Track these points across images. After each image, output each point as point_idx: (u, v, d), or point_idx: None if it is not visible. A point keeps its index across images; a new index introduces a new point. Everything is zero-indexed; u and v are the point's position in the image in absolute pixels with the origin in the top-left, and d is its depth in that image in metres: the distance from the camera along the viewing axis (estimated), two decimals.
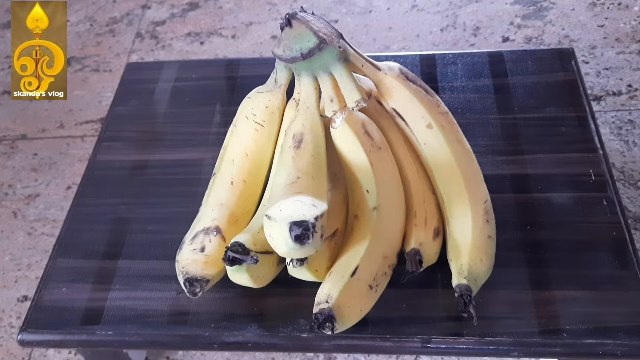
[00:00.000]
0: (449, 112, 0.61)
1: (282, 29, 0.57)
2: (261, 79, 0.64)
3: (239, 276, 0.55)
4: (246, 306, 0.59)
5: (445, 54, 0.82)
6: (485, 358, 0.75)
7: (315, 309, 0.52)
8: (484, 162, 0.65)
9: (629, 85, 1.11)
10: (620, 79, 1.12)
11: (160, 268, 0.63)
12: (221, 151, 0.64)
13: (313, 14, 0.57)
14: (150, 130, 0.78)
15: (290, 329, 0.57)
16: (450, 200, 0.58)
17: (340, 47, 0.56)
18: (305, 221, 0.46)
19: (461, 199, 0.57)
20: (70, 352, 0.90)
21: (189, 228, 0.60)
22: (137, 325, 0.60)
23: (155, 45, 1.35)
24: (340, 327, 0.51)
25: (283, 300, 0.59)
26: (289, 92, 0.63)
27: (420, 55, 0.82)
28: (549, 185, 0.66)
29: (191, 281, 0.55)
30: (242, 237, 0.53)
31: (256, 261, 0.51)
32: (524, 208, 0.64)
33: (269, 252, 0.52)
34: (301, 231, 0.45)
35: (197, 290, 0.55)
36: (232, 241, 0.53)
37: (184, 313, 0.60)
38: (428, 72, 0.79)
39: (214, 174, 0.63)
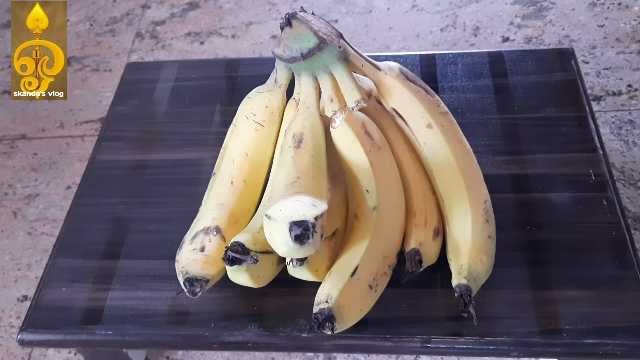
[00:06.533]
0: (449, 112, 0.61)
1: (282, 28, 0.57)
2: (261, 79, 0.64)
3: (239, 276, 0.55)
4: (246, 306, 0.59)
5: (445, 54, 0.82)
6: (485, 358, 0.75)
7: (315, 309, 0.52)
8: (484, 162, 0.65)
9: (629, 85, 1.11)
10: (620, 79, 1.12)
11: (160, 268, 0.63)
12: (221, 151, 0.64)
13: (313, 13, 0.57)
14: (150, 130, 0.78)
15: (290, 328, 0.57)
16: (450, 200, 0.58)
17: (340, 47, 0.56)
18: (305, 221, 0.46)
19: (461, 199, 0.57)
20: (70, 352, 0.90)
21: (189, 228, 0.60)
22: (137, 325, 0.60)
23: (155, 45, 1.35)
24: (340, 327, 0.51)
25: (283, 300, 0.59)
26: (289, 92, 0.63)
27: (420, 55, 0.82)
28: (549, 185, 0.66)
29: (191, 281, 0.55)
30: (242, 237, 0.53)
31: (256, 261, 0.51)
32: (524, 208, 0.64)
33: (269, 252, 0.52)
34: (301, 231, 0.45)
35: (197, 290, 0.55)
36: (232, 241, 0.53)
37: (184, 313, 0.60)
38: (428, 72, 0.79)
39: (214, 173, 0.63)
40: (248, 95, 0.65)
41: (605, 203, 0.64)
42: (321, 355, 0.86)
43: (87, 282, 0.63)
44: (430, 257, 0.58)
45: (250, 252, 0.52)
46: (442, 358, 0.83)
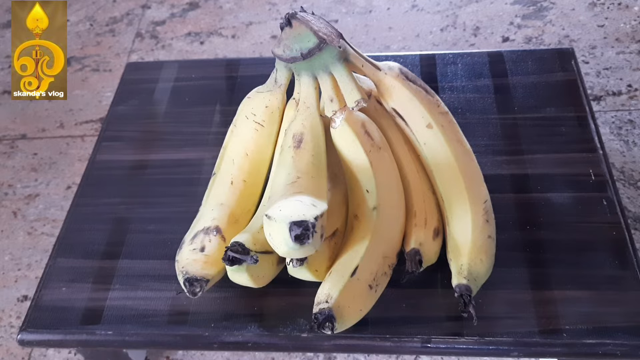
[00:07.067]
0: (449, 112, 0.61)
1: (282, 28, 0.57)
2: (261, 79, 0.64)
3: (239, 276, 0.55)
4: (246, 306, 0.59)
5: (445, 54, 0.82)
6: (485, 358, 0.75)
7: (315, 309, 0.52)
8: (484, 162, 0.65)
9: (629, 85, 1.11)
10: (620, 79, 1.12)
11: (160, 268, 0.63)
12: (221, 151, 0.64)
13: (313, 13, 0.57)
14: (150, 130, 0.78)
15: (290, 328, 0.57)
16: (450, 200, 0.58)
17: (340, 47, 0.56)
18: (305, 221, 0.46)
19: (461, 199, 0.57)
20: (70, 352, 0.90)
21: (189, 228, 0.60)
22: (137, 325, 0.60)
23: (155, 45, 1.35)
24: (340, 327, 0.51)
25: (283, 300, 0.59)
26: (289, 92, 0.63)
27: (420, 55, 0.82)
28: (549, 185, 0.66)
29: (191, 281, 0.55)
30: (242, 237, 0.53)
31: (256, 261, 0.51)
32: (524, 208, 0.64)
33: (269, 252, 0.52)
34: (301, 231, 0.45)
35: (197, 290, 0.55)
36: (232, 241, 0.53)
37: (184, 313, 0.60)
38: (428, 72, 0.79)
39: (214, 173, 0.63)
40: (248, 95, 0.65)
41: (605, 203, 0.63)
42: (321, 355, 0.86)
43: (87, 282, 0.63)
44: (430, 257, 0.58)
45: (250, 252, 0.52)
46: (442, 358, 0.83)
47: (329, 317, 0.50)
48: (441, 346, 0.56)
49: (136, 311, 0.60)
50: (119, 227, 0.68)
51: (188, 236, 0.59)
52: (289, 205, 0.47)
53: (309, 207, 0.47)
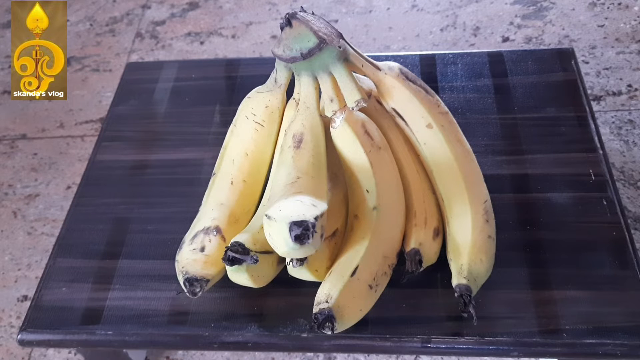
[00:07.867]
0: (449, 112, 0.61)
1: (282, 28, 0.57)
2: (261, 79, 0.64)
3: (239, 276, 0.55)
4: (246, 306, 0.59)
5: (445, 54, 0.82)
6: (485, 358, 0.75)
7: (315, 309, 0.52)
8: (484, 162, 0.65)
9: (629, 85, 1.11)
10: (620, 79, 1.12)
11: (160, 268, 0.63)
12: (221, 151, 0.64)
13: (313, 13, 0.57)
14: (150, 130, 0.78)
15: (290, 328, 0.57)
16: (450, 200, 0.58)
17: (340, 47, 0.56)
18: (305, 221, 0.46)
19: (461, 198, 0.57)
20: (70, 352, 0.90)
21: (189, 228, 0.60)
22: (137, 325, 0.60)
23: (155, 45, 1.35)
24: (340, 327, 0.51)
25: (283, 300, 0.59)
26: (289, 92, 0.63)
27: (420, 55, 0.82)
28: (549, 185, 0.66)
29: (191, 281, 0.55)
30: (242, 237, 0.53)
31: (256, 261, 0.51)
32: (524, 208, 0.64)
33: (269, 252, 0.52)
34: (301, 231, 0.45)
35: (197, 290, 0.55)
36: (232, 241, 0.53)
37: (184, 313, 0.60)
38: (428, 72, 0.79)
39: (214, 173, 0.63)
40: (248, 95, 0.65)
41: (605, 203, 0.63)
42: (321, 356, 0.86)
43: (87, 282, 0.63)
44: (430, 257, 0.58)
45: (250, 252, 0.52)
46: (442, 358, 0.83)
47: (329, 317, 0.51)
48: (441, 346, 0.56)
49: (136, 311, 0.60)
50: (119, 227, 0.68)
51: (188, 236, 0.59)
52: (289, 205, 0.47)
53: (309, 207, 0.47)
